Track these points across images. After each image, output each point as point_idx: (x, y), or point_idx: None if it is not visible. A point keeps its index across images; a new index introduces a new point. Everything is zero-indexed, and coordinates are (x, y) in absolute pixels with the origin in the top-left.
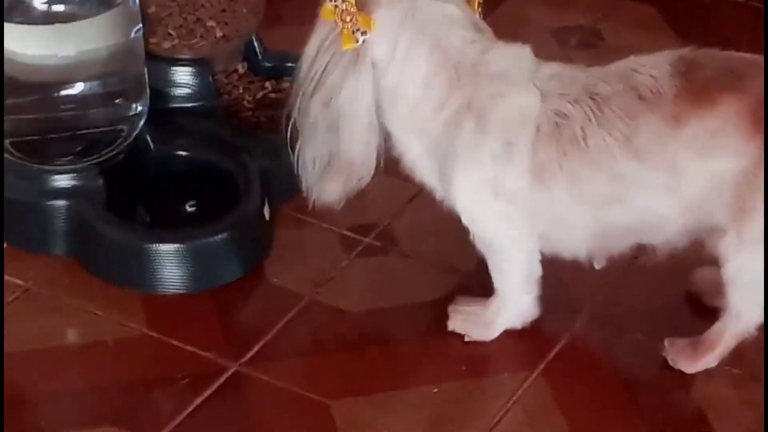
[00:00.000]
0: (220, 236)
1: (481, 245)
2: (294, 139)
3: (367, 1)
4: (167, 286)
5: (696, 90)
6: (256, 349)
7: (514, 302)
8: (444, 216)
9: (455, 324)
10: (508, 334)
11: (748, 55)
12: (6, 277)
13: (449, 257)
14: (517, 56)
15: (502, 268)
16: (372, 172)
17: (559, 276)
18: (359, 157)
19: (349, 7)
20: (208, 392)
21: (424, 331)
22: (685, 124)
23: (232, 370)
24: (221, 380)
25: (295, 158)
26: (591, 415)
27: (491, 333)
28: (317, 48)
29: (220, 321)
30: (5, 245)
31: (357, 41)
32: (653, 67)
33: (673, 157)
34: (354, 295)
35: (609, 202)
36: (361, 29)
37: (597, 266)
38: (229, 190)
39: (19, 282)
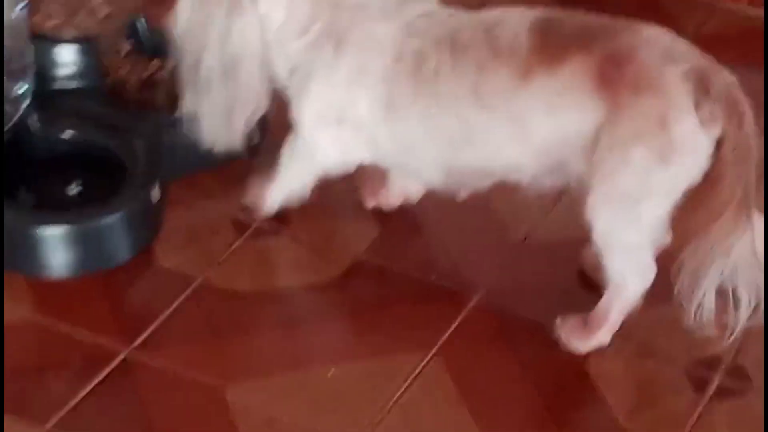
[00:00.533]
0: (107, 218)
1: (295, 132)
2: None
3: None
4: (54, 270)
5: (548, 48)
6: (147, 333)
7: (283, 182)
8: (336, 198)
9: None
10: (403, 315)
11: (606, 18)
12: None
13: (340, 239)
14: None
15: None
16: (267, 103)
17: (452, 257)
18: (259, 92)
19: None
20: (99, 378)
21: (319, 312)
22: (533, 80)
23: (123, 355)
24: (112, 365)
25: (190, 115)
26: (488, 393)
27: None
28: (190, 8)
29: (110, 305)
30: None
31: None
32: (516, 22)
33: (520, 111)
34: (246, 277)
35: (459, 144)
36: None
37: (458, 199)
38: (115, 172)
39: None
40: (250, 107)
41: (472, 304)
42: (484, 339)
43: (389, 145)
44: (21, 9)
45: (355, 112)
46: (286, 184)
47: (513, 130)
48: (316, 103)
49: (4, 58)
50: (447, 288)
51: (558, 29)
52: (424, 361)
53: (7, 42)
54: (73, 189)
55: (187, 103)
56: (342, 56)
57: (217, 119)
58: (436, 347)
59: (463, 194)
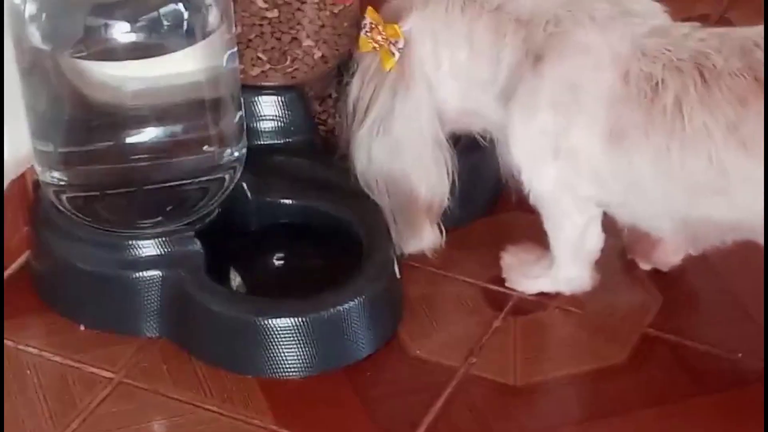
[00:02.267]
0: (350, 303)
1: (535, 203)
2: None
3: (398, 13)
4: (290, 369)
5: None
6: None
7: (563, 269)
8: (604, 261)
9: (504, 267)
10: (717, 403)
11: None
12: (92, 369)
13: (618, 311)
14: None
15: (555, 231)
16: (448, 191)
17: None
18: (433, 180)
19: (378, 26)
20: None
21: (614, 405)
22: None
23: None
24: None
25: None
26: None
27: (534, 287)
28: (361, 82)
29: (363, 408)
30: (84, 328)
31: (393, 54)
32: None
33: None
34: (516, 364)
35: (706, 193)
36: (392, 40)
37: (693, 253)
38: (346, 243)
39: (108, 374)
40: (429, 202)
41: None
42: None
43: (612, 182)
44: (229, 57)
45: (569, 141)
46: (562, 263)
47: None
48: (523, 136)
49: (213, 120)
50: (760, 369)
51: None
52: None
53: (215, 95)
54: (277, 261)
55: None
56: (543, 72)
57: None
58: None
59: (695, 251)
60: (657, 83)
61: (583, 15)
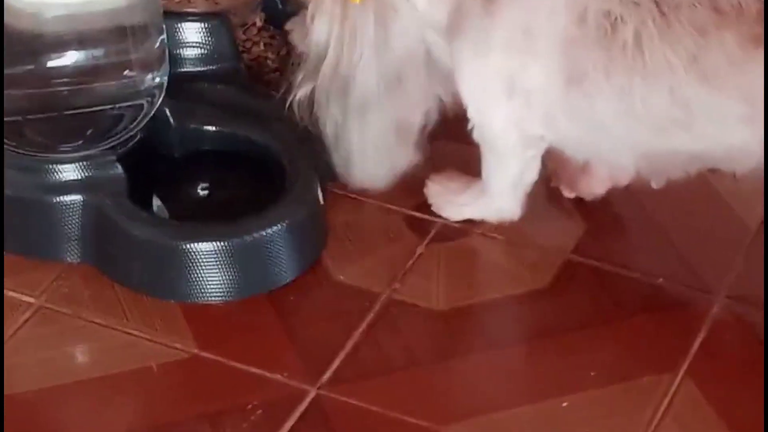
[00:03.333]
0: (273, 228)
1: (478, 137)
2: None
3: None
4: (213, 293)
5: None
6: (335, 365)
7: (497, 199)
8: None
9: (430, 193)
10: (634, 328)
11: None
12: (12, 294)
13: (540, 238)
14: None
15: (493, 167)
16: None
17: (678, 254)
18: (428, 96)
19: None
20: (288, 425)
21: (532, 329)
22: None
23: (312, 395)
24: (301, 408)
25: (337, 151)
26: (751, 416)
27: (460, 215)
28: (327, 23)
29: (285, 333)
30: (7, 254)
31: None
32: None
33: (752, 85)
34: (438, 290)
35: (669, 127)
36: None
37: (655, 186)
38: (268, 170)
39: (28, 299)
40: (420, 118)
41: (714, 311)
42: (734, 353)
43: (571, 125)
44: None
45: (526, 83)
46: (496, 195)
47: (744, 110)
48: (475, 75)
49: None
50: (680, 293)
51: None
52: (674, 385)
53: (136, 20)
54: (202, 190)
55: (337, 140)
56: (494, 18)
57: (378, 148)
58: (684, 366)
59: (657, 183)
60: (615, 19)
61: None
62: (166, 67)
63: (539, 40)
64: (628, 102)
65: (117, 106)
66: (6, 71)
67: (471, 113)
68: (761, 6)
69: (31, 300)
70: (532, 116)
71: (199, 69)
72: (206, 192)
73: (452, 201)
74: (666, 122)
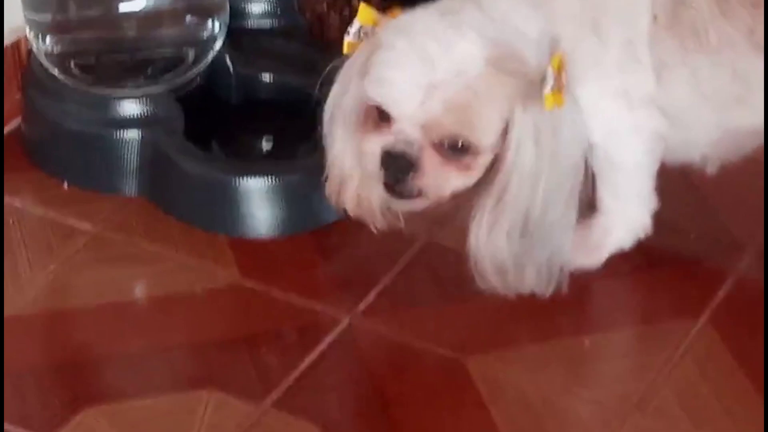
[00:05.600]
0: (317, 170)
1: (604, 164)
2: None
3: None
4: (260, 229)
5: None
6: (370, 297)
7: (628, 219)
8: None
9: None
10: (662, 277)
11: None
12: (71, 222)
13: None
14: None
15: (619, 184)
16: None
17: (711, 212)
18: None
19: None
20: (319, 349)
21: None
22: None
23: (345, 323)
24: (333, 334)
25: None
26: None
27: (599, 257)
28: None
29: (325, 267)
30: (68, 186)
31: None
32: None
33: None
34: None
35: (731, 104)
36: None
37: (709, 171)
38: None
39: (86, 227)
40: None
41: (741, 266)
42: (757, 308)
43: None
44: None
45: (638, 92)
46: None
47: None
48: (597, 99)
49: None
50: (710, 248)
51: None
52: (695, 329)
53: None
54: (265, 144)
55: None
56: (603, 38)
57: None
58: (706, 314)
59: (715, 165)
60: (681, 4)
61: None
62: (225, 15)
63: (637, 46)
64: (695, 84)
65: (179, 49)
66: (80, 14)
67: (597, 141)
68: None
69: (89, 228)
70: (652, 116)
71: (262, 23)
72: (270, 144)
73: (584, 246)
74: (729, 99)
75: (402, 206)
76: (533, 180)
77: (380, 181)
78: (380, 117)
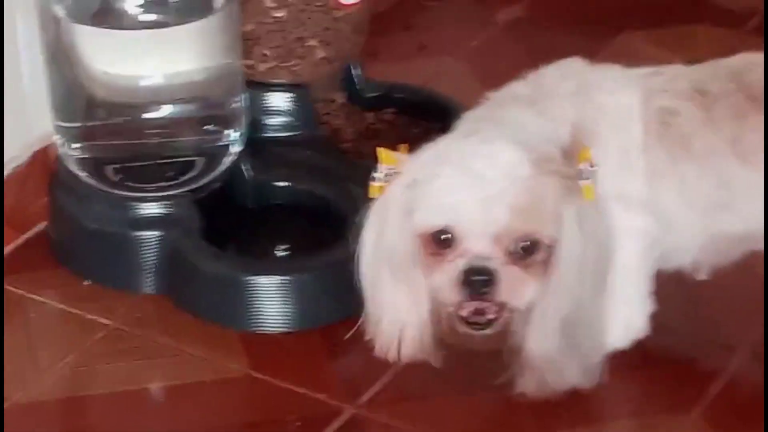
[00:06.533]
0: (329, 268)
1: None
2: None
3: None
4: (270, 324)
5: None
6: (374, 389)
7: (626, 321)
8: None
9: None
10: (664, 375)
11: None
12: (90, 316)
13: None
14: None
15: (617, 286)
16: None
17: (709, 312)
18: None
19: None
20: None
21: None
22: None
23: (348, 413)
24: (337, 423)
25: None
26: None
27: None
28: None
29: (331, 361)
30: (90, 283)
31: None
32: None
33: None
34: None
35: (716, 210)
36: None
37: (698, 278)
38: (333, 222)
39: (104, 321)
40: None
41: (734, 364)
42: (749, 402)
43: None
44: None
45: (634, 193)
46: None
47: None
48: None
49: (216, 103)
50: (706, 344)
51: None
52: (688, 424)
53: (219, 86)
54: (281, 252)
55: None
56: (600, 148)
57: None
58: (700, 408)
59: (705, 272)
60: (671, 115)
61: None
62: (243, 125)
63: (631, 152)
64: (683, 190)
65: (198, 155)
66: (106, 122)
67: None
68: None
69: (108, 322)
70: (646, 220)
71: (281, 134)
72: (286, 252)
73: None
74: (714, 205)
75: (479, 335)
76: (582, 270)
77: (457, 313)
78: (438, 246)
